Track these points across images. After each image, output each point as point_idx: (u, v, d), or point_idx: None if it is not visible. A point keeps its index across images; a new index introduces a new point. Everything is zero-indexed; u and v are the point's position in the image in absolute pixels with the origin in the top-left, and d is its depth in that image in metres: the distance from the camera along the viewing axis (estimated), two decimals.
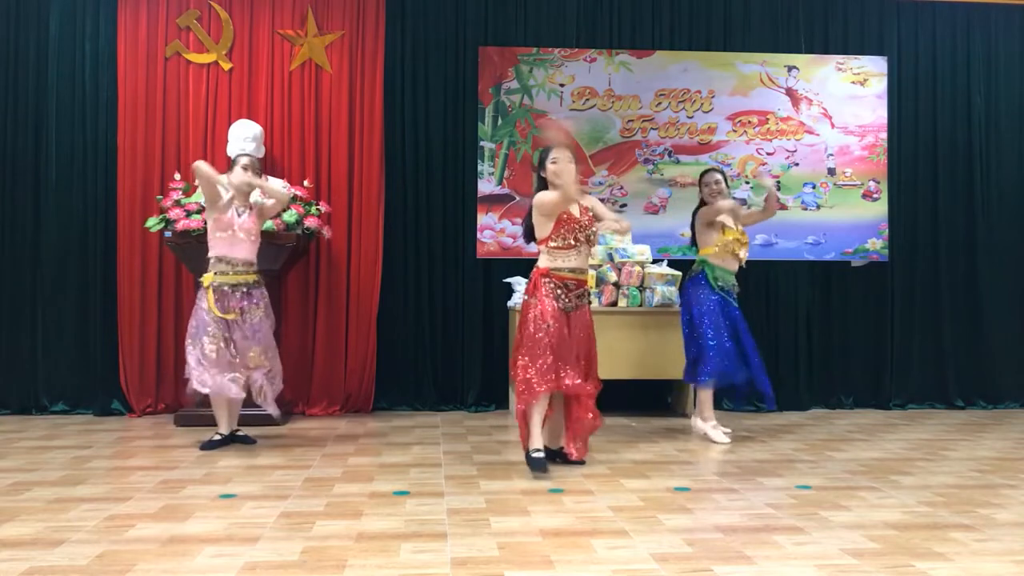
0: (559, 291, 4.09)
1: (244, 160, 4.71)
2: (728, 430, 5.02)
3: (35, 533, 3.03)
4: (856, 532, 3.10)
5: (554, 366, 4.02)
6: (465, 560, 2.75)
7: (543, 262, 4.15)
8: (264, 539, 2.97)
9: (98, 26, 5.96)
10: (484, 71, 6.25)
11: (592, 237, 4.21)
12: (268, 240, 5.32)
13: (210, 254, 4.63)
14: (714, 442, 4.90)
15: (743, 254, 5.02)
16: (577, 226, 4.12)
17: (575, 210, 4.15)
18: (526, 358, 4.04)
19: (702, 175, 5.09)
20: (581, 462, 4.24)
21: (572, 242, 4.12)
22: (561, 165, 4.09)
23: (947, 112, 6.62)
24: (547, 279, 4.11)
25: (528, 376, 4.02)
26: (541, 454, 4.04)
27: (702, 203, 5.03)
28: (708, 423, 5.00)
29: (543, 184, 4.18)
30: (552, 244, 4.13)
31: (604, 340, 5.51)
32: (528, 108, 6.29)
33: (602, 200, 6.16)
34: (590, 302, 4.34)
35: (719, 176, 5.01)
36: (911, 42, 6.61)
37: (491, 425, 5.57)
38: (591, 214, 4.21)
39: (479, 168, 6.23)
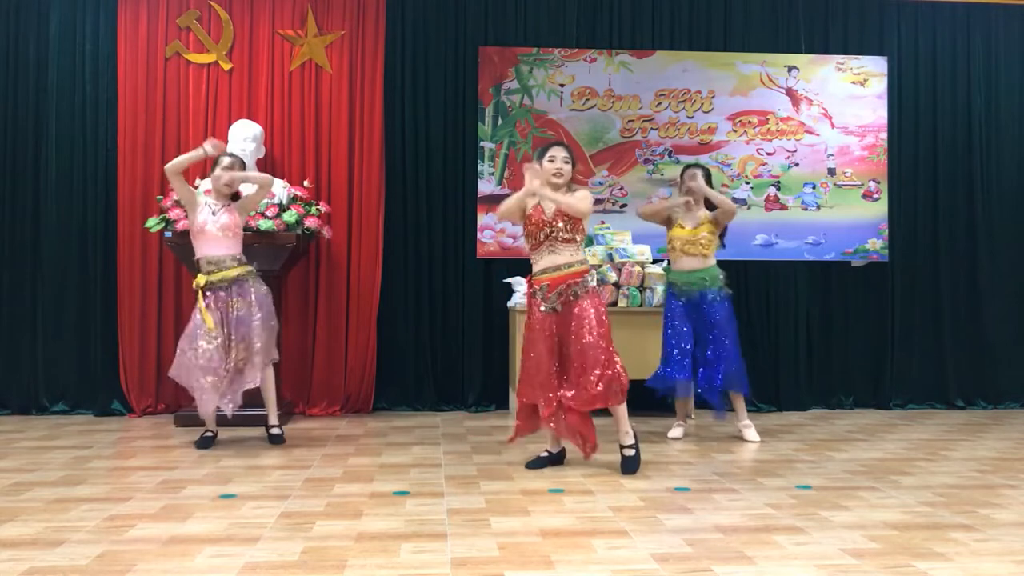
0: (539, 294, 4.08)
1: (226, 160, 4.72)
2: (682, 423, 5.17)
3: (35, 533, 3.03)
4: (856, 532, 3.10)
5: (529, 387, 4.07)
6: (465, 560, 2.75)
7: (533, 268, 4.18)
8: (264, 539, 2.97)
9: (98, 26, 5.96)
10: (484, 71, 6.25)
11: (555, 233, 4.01)
12: (268, 240, 5.34)
13: (196, 256, 4.70)
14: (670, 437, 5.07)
15: (692, 250, 4.90)
16: (535, 226, 4.06)
17: (546, 206, 4.07)
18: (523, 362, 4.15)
19: (682, 170, 5.08)
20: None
21: (535, 242, 4.09)
22: (557, 164, 4.08)
23: (947, 112, 6.62)
24: (530, 285, 4.15)
25: (520, 378, 4.16)
26: (544, 453, 4.22)
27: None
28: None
29: None
30: (528, 247, 4.17)
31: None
32: (528, 108, 6.29)
33: (601, 200, 6.20)
34: (594, 293, 4.05)
35: (696, 173, 4.93)
36: (911, 42, 6.62)
37: (491, 425, 5.57)
38: (556, 208, 4.03)
39: (479, 168, 6.23)
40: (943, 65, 6.63)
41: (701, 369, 4.92)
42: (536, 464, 4.16)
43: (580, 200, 4.01)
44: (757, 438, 4.99)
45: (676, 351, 4.91)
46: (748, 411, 6.14)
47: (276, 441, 4.76)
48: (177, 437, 5.00)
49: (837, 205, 6.46)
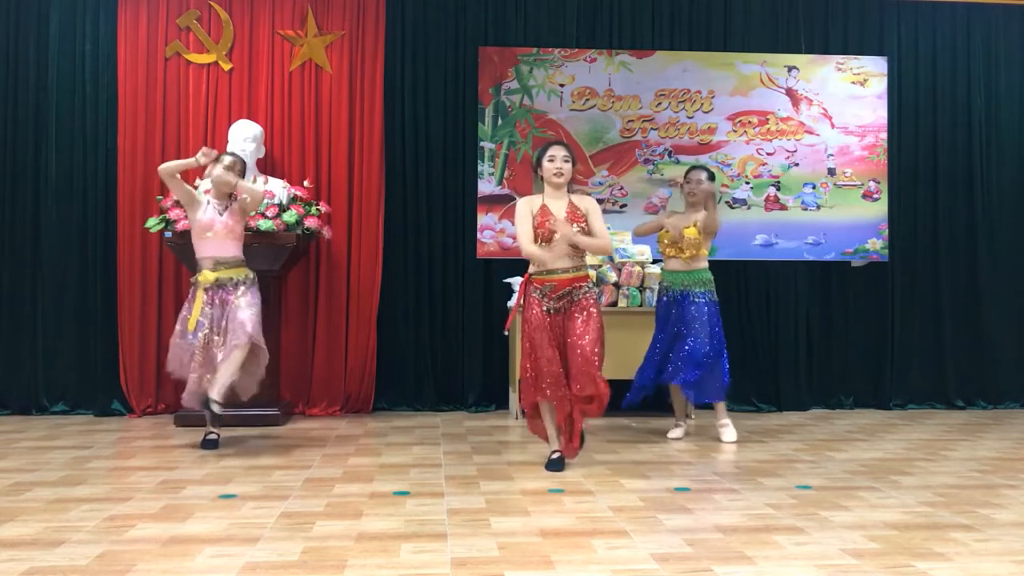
0: (543, 295, 4.07)
1: (227, 159, 4.71)
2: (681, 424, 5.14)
3: (35, 533, 3.03)
4: (856, 532, 3.10)
5: (537, 379, 4.05)
6: (465, 560, 2.75)
7: (529, 267, 4.16)
8: (264, 539, 2.96)
9: (98, 26, 5.96)
10: (484, 71, 6.25)
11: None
12: (268, 240, 5.34)
13: (199, 255, 4.66)
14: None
15: (673, 252, 4.97)
16: (547, 231, 4.04)
17: (554, 208, 4.08)
18: (525, 363, 4.11)
19: (687, 172, 5.10)
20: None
21: (547, 245, 4.05)
22: (557, 163, 4.09)
23: (947, 112, 6.62)
24: (529, 284, 4.13)
25: (526, 378, 4.11)
26: (556, 455, 4.13)
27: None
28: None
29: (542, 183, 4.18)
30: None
31: (605, 340, 5.53)
32: (528, 108, 6.29)
33: (601, 200, 6.18)
34: (595, 298, 4.13)
35: (701, 176, 4.97)
36: (911, 42, 6.62)
37: (491, 425, 5.57)
38: (579, 213, 4.08)
39: (479, 168, 6.23)
40: (943, 65, 6.63)
41: (669, 365, 4.93)
42: (554, 466, 4.11)
43: (604, 238, 4.10)
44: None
45: (650, 353, 5.03)
46: (748, 411, 6.19)
47: (208, 447, 4.64)
48: (177, 437, 5.00)
49: (837, 205, 6.46)
